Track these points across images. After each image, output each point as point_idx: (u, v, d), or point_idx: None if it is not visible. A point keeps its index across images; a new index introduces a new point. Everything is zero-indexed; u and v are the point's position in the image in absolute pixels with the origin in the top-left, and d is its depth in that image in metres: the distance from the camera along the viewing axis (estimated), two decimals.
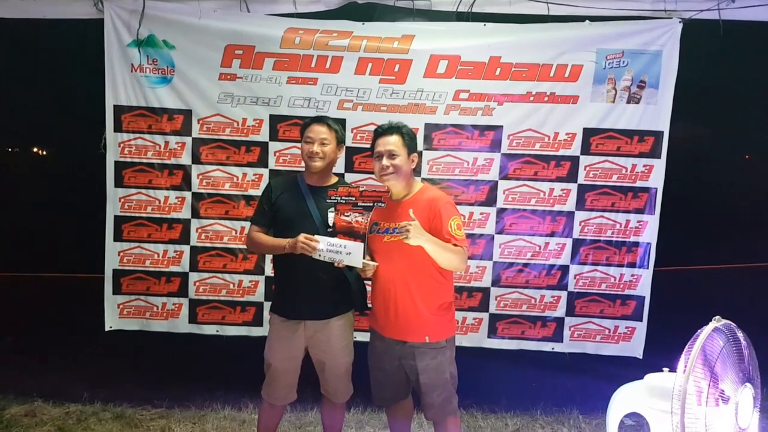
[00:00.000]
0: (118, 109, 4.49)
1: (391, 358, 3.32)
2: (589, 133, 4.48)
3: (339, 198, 3.23)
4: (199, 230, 4.61)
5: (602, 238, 4.57)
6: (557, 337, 4.64)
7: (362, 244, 3.17)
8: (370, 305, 3.48)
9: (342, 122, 4.28)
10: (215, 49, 4.41)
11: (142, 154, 4.54)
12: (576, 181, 4.53)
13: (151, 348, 5.07)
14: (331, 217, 3.29)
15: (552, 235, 4.57)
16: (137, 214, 4.58)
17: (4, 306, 6.96)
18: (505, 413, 4.66)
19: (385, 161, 3.21)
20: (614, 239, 4.56)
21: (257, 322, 4.64)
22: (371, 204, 3.20)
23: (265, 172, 4.56)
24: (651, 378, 2.89)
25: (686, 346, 2.47)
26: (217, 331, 4.67)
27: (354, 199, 3.21)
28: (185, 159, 4.55)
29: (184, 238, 4.61)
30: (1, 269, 7.74)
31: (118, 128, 4.51)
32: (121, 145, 4.52)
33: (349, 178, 4.43)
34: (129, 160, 4.54)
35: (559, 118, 4.46)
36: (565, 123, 4.47)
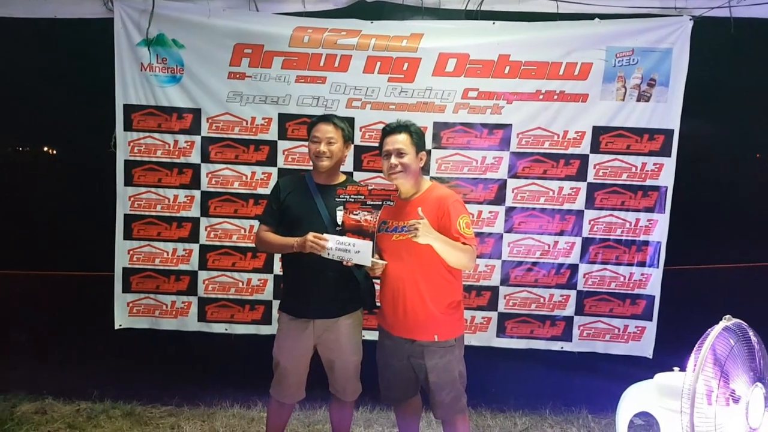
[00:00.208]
0: (128, 108, 4.51)
1: (399, 356, 3.32)
2: (598, 131, 4.46)
3: (348, 197, 3.23)
4: (208, 229, 4.62)
5: (612, 237, 4.55)
6: (566, 336, 4.63)
7: (371, 243, 3.17)
8: (378, 304, 3.48)
9: (350, 121, 4.29)
10: (224, 48, 4.43)
11: (151, 153, 4.56)
12: (585, 180, 4.51)
13: (160, 346, 5.07)
14: (339, 215, 3.28)
15: (561, 233, 4.56)
16: (147, 213, 4.60)
17: (13, 304, 7.00)
18: (514, 412, 4.66)
19: (394, 160, 3.21)
20: (624, 238, 4.55)
21: (266, 320, 4.65)
22: (380, 202, 3.20)
23: (273, 170, 4.57)
24: (661, 377, 2.88)
25: (696, 345, 2.45)
26: (226, 329, 4.68)
27: (363, 197, 3.21)
28: (194, 158, 4.57)
29: (194, 237, 4.63)
30: (11, 267, 7.77)
31: (127, 127, 4.53)
32: (131, 144, 4.54)
33: (358, 176, 4.44)
34: (139, 158, 4.56)
35: (568, 117, 4.45)
36: (574, 121, 4.46)
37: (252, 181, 4.58)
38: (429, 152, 4.32)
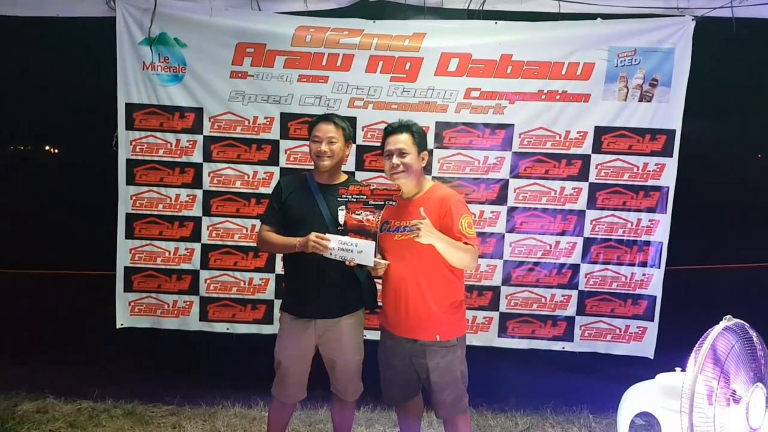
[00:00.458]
0: (130, 107, 4.51)
1: (401, 356, 3.32)
2: (600, 131, 4.46)
3: (350, 196, 3.23)
4: (210, 228, 4.62)
5: (613, 237, 4.55)
6: (568, 336, 4.63)
7: (374, 243, 3.17)
8: (380, 304, 3.48)
9: (353, 120, 4.30)
10: (226, 47, 4.43)
11: (153, 152, 4.56)
12: (587, 180, 4.51)
13: (161, 345, 5.08)
14: (341, 215, 3.28)
15: (563, 233, 4.56)
16: (149, 212, 4.61)
17: (14, 302, 7.02)
18: (515, 412, 4.65)
19: (396, 160, 3.21)
20: (625, 238, 4.54)
21: (268, 320, 4.65)
22: (382, 202, 3.21)
23: (275, 170, 4.57)
24: (662, 377, 2.87)
25: (696, 346, 2.46)
26: (228, 328, 4.68)
27: (365, 197, 3.21)
28: (196, 157, 4.57)
29: (195, 236, 4.63)
30: (13, 266, 7.79)
31: (129, 126, 4.53)
32: (133, 143, 4.55)
33: (360, 176, 4.44)
34: (140, 158, 4.56)
35: (570, 117, 4.45)
36: (576, 121, 4.46)
37: (254, 180, 4.58)
38: (431, 152, 4.32)
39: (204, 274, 4.65)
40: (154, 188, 4.59)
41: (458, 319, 3.31)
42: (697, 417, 2.37)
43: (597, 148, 4.48)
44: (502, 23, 4.42)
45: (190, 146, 4.55)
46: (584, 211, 4.54)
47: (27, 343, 6.00)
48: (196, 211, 4.61)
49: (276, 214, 3.47)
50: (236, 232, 4.63)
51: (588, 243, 4.56)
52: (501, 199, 4.54)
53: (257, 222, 4.26)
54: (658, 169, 4.48)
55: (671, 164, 4.47)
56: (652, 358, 4.53)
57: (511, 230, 4.57)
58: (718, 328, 2.48)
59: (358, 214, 3.23)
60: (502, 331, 4.65)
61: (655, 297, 4.55)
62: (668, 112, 4.42)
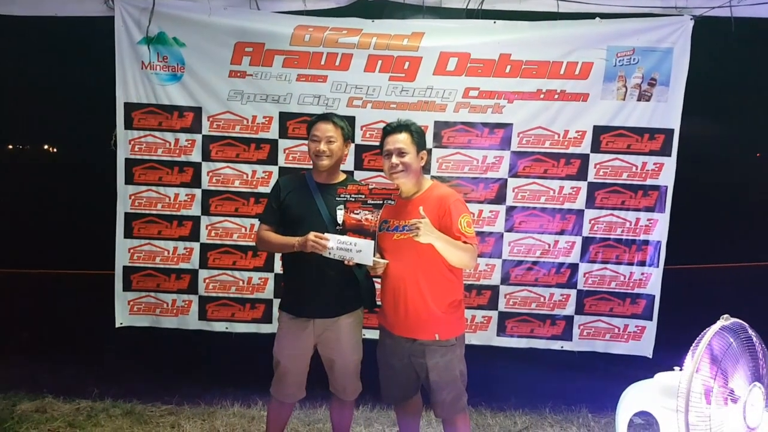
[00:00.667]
0: (129, 107, 4.51)
1: (400, 355, 3.32)
2: (599, 130, 4.47)
3: (349, 196, 3.23)
4: (209, 227, 4.62)
5: (612, 237, 4.55)
6: (566, 335, 4.63)
7: (373, 242, 3.16)
8: (379, 303, 3.48)
9: (351, 120, 4.30)
10: (225, 47, 4.43)
11: (152, 152, 4.56)
12: (586, 179, 4.51)
13: (160, 345, 5.08)
14: (340, 215, 3.28)
15: (561, 233, 4.56)
16: (147, 211, 4.60)
17: (13, 302, 7.01)
18: (514, 411, 4.66)
19: (395, 159, 3.21)
20: (624, 237, 4.55)
21: (266, 319, 4.65)
22: (381, 202, 3.20)
23: (274, 169, 4.57)
24: (661, 377, 2.87)
25: (693, 345, 2.46)
26: (227, 328, 4.68)
27: (364, 196, 3.21)
28: (195, 156, 4.57)
29: (194, 235, 4.63)
30: (11, 266, 7.79)
31: (128, 125, 4.53)
32: (132, 142, 4.54)
33: (359, 175, 4.44)
34: (139, 157, 4.56)
35: (569, 116, 4.45)
36: (575, 120, 4.46)
37: (253, 179, 4.58)
38: (430, 151, 4.32)
39: (203, 274, 4.65)
40: (153, 187, 4.59)
41: (457, 319, 3.31)
42: (693, 416, 2.38)
43: (596, 147, 4.48)
44: (501, 23, 4.42)
45: (189, 145, 4.55)
46: (583, 210, 4.55)
47: (26, 342, 6.00)
48: (195, 210, 4.61)
49: (275, 213, 3.47)
50: (235, 232, 4.63)
51: (587, 242, 4.57)
52: (500, 198, 4.55)
53: (256, 221, 4.26)
54: (656, 169, 4.49)
55: (670, 163, 4.47)
56: (650, 357, 4.54)
57: (509, 229, 4.58)
58: (714, 328, 2.48)
59: (357, 214, 3.23)
60: (501, 331, 4.65)
61: (654, 296, 4.56)
62: (667, 111, 4.42)
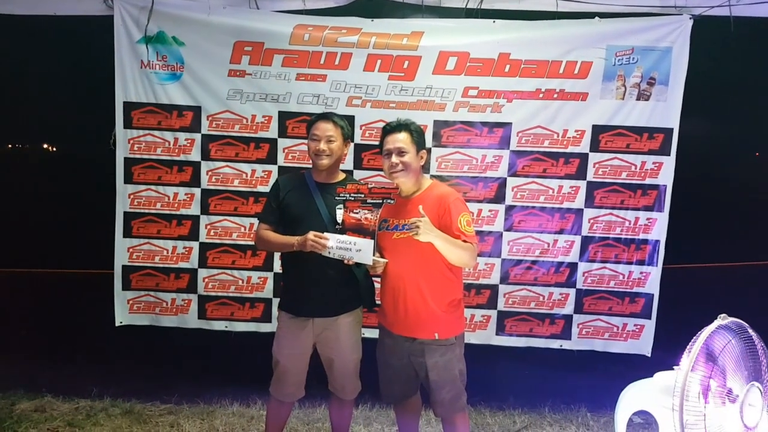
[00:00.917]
0: (128, 106, 4.51)
1: (400, 354, 3.32)
2: (598, 130, 4.47)
3: (348, 195, 3.22)
4: (209, 227, 4.62)
5: (611, 236, 4.56)
6: (565, 334, 4.63)
7: (372, 241, 3.16)
8: (378, 302, 3.48)
9: (351, 119, 4.30)
10: (224, 46, 4.43)
11: (151, 151, 4.56)
12: (585, 179, 4.52)
13: (160, 344, 5.08)
14: (339, 214, 3.27)
15: (561, 232, 4.57)
16: (147, 211, 4.61)
17: (12, 301, 7.01)
18: (513, 410, 4.66)
19: (394, 159, 3.21)
20: (623, 237, 4.55)
21: (266, 318, 4.66)
22: (380, 201, 3.20)
23: (274, 168, 4.57)
24: (660, 376, 2.88)
25: (689, 344, 2.46)
26: (226, 327, 4.69)
27: (363, 196, 3.20)
28: (194, 156, 4.57)
29: (194, 235, 4.63)
30: (10, 265, 7.79)
31: (127, 125, 4.53)
32: (131, 141, 4.54)
33: (358, 175, 4.44)
34: (138, 156, 4.56)
35: (568, 115, 4.46)
36: (574, 120, 4.46)
37: (252, 179, 4.58)
38: (429, 151, 4.33)
39: (202, 273, 4.65)
40: (152, 187, 4.59)
41: (457, 318, 3.32)
42: (690, 415, 2.38)
43: (595, 146, 4.48)
44: (500, 22, 4.43)
45: (188, 145, 4.55)
46: (582, 209, 4.55)
47: (25, 341, 5.99)
48: (194, 209, 4.61)
49: (274, 212, 3.47)
50: (234, 231, 4.63)
51: (586, 241, 4.57)
52: (499, 197, 4.55)
53: (255, 220, 4.26)
54: (655, 168, 4.49)
55: (669, 163, 4.48)
56: (649, 355, 4.54)
57: (509, 229, 4.58)
58: (710, 328, 2.49)
59: (357, 213, 3.22)
60: (500, 330, 4.65)
61: (653, 295, 4.56)
62: (666, 110, 4.42)
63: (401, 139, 3.23)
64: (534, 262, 4.60)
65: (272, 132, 4.54)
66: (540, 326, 4.64)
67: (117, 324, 4.65)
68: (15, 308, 6.79)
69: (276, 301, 4.43)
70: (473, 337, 4.56)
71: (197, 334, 4.70)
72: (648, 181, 4.50)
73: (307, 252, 3.20)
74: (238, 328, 4.69)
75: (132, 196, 4.59)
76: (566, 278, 4.59)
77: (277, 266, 4.57)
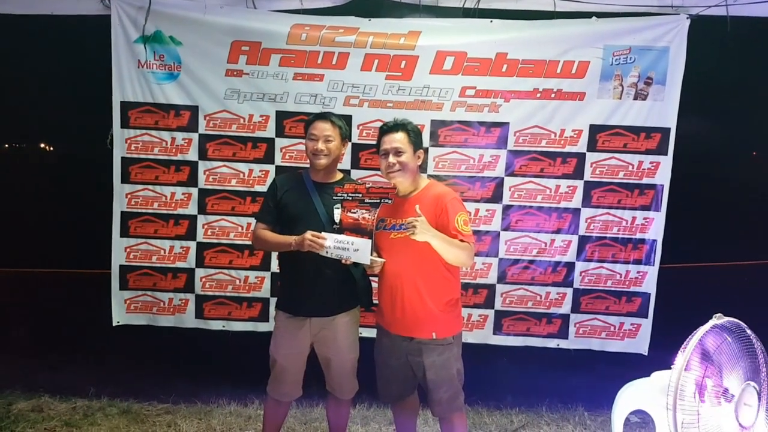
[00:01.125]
0: (125, 105, 4.50)
1: (397, 354, 3.32)
2: (595, 129, 4.47)
3: (346, 195, 3.23)
4: (206, 226, 4.62)
5: (608, 235, 4.56)
6: (562, 333, 4.64)
7: (370, 241, 3.16)
8: (375, 302, 3.48)
9: (348, 119, 4.30)
10: (222, 45, 4.42)
11: (148, 150, 4.56)
12: (582, 178, 4.52)
13: (157, 344, 5.07)
14: (337, 214, 3.28)
15: (558, 231, 4.57)
16: (144, 210, 4.60)
17: (10, 301, 7.00)
18: (511, 410, 4.67)
19: (392, 158, 3.21)
20: (620, 236, 4.56)
21: (263, 317, 4.65)
22: (378, 200, 3.20)
23: (271, 168, 4.57)
24: (658, 375, 2.88)
25: (684, 343, 2.47)
26: (224, 326, 4.68)
27: (361, 195, 3.21)
28: (192, 155, 4.56)
29: (191, 234, 4.62)
30: (7, 265, 7.77)
31: (124, 124, 4.52)
32: (128, 141, 4.54)
33: (356, 174, 4.44)
34: (135, 156, 4.56)
35: (565, 115, 4.46)
36: (571, 120, 4.46)
37: (249, 178, 4.58)
38: (426, 150, 4.32)
39: (199, 272, 4.65)
40: (149, 186, 4.59)
41: (454, 317, 3.32)
42: (685, 413, 2.38)
43: (592, 146, 4.49)
44: (498, 22, 4.42)
45: (186, 144, 4.55)
46: (579, 209, 4.55)
47: (22, 341, 5.99)
48: (192, 209, 4.61)
49: (271, 212, 3.47)
50: (231, 231, 4.63)
51: (583, 241, 4.57)
52: (496, 197, 4.55)
53: (252, 220, 4.25)
54: (652, 167, 4.50)
55: (666, 162, 4.48)
56: (646, 354, 4.55)
57: (506, 228, 4.58)
58: (705, 327, 2.49)
59: (354, 213, 3.23)
60: (497, 329, 4.66)
61: (650, 294, 4.57)
62: (663, 110, 4.43)
63: (398, 138, 3.23)
64: (531, 262, 4.60)
65: (269, 132, 4.54)
66: (537, 325, 4.64)
67: (114, 324, 4.64)
68: (11, 308, 6.77)
69: (273, 301, 4.40)
70: (470, 337, 4.56)
71: (194, 334, 4.70)
72: (645, 180, 4.51)
73: (305, 251, 3.20)
74: (236, 328, 4.68)
75: (129, 196, 4.58)
76: (563, 278, 4.60)
77: (275, 266, 4.57)
